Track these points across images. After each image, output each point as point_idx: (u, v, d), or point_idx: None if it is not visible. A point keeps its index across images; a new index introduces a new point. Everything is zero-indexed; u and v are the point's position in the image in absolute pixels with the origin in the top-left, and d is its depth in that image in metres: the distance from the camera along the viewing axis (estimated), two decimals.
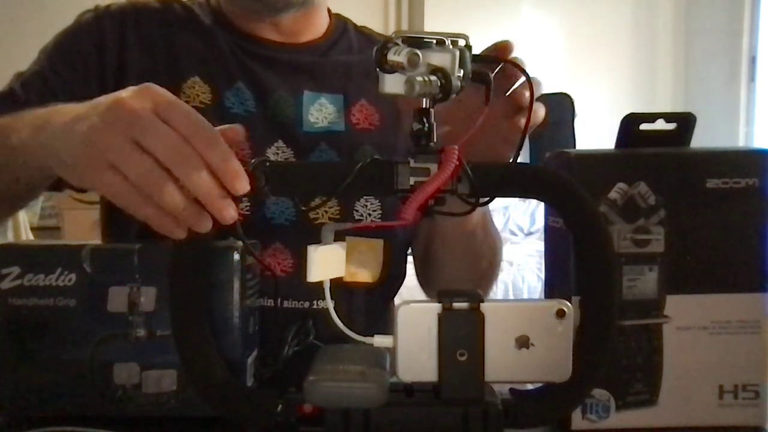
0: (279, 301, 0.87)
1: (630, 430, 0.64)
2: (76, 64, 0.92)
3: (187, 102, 0.89)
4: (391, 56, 0.52)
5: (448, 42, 0.53)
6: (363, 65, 1.00)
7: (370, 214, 0.95)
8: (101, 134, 0.52)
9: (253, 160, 0.57)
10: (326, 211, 0.93)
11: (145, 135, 0.51)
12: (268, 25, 0.98)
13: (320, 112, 0.96)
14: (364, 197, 0.95)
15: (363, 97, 0.99)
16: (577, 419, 0.63)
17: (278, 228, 0.91)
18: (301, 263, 0.91)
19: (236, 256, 0.65)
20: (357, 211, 0.95)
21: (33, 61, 0.94)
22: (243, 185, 0.53)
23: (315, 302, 0.90)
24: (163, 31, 0.95)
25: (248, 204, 0.90)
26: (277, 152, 0.94)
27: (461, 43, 0.54)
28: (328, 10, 1.05)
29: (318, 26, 1.02)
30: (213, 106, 0.93)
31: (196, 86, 0.93)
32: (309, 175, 0.59)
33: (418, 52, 0.51)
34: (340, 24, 1.05)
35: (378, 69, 0.53)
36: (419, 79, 0.51)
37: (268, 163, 0.56)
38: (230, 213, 0.53)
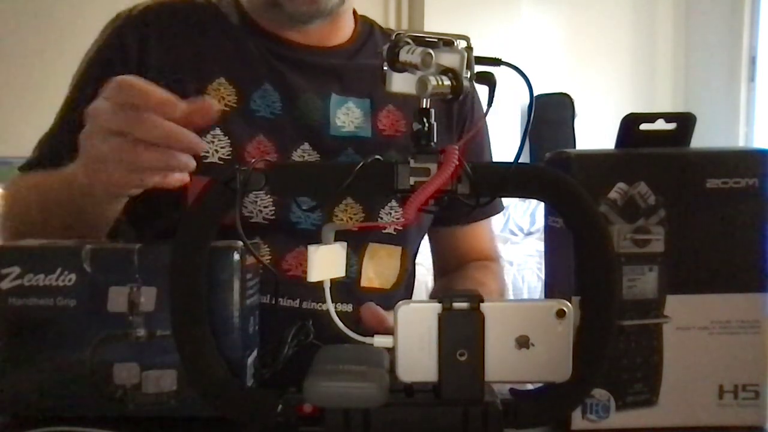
0: (298, 301, 0.88)
1: (630, 430, 0.64)
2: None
3: None
4: (404, 56, 0.52)
5: (456, 43, 0.53)
6: None
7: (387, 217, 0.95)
8: (90, 115, 0.66)
9: (253, 160, 0.57)
10: (350, 218, 0.93)
11: (102, 121, 0.64)
12: (295, 30, 0.97)
13: (347, 116, 0.96)
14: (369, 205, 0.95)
15: (390, 102, 0.98)
16: (577, 419, 0.63)
17: (303, 233, 0.91)
18: None
19: (236, 256, 0.65)
20: (381, 218, 0.95)
21: (65, 98, 0.96)
22: (204, 118, 0.63)
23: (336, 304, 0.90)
24: (188, 31, 0.94)
25: (273, 208, 0.91)
26: (303, 155, 0.93)
27: (462, 44, 0.54)
28: (354, 12, 1.04)
29: (344, 30, 1.02)
30: (239, 108, 0.92)
31: (222, 88, 0.92)
32: (309, 175, 0.59)
33: (432, 51, 0.51)
34: (366, 27, 1.05)
35: (388, 68, 0.53)
36: (432, 79, 0.51)
37: (267, 164, 0.56)
38: (200, 145, 0.64)
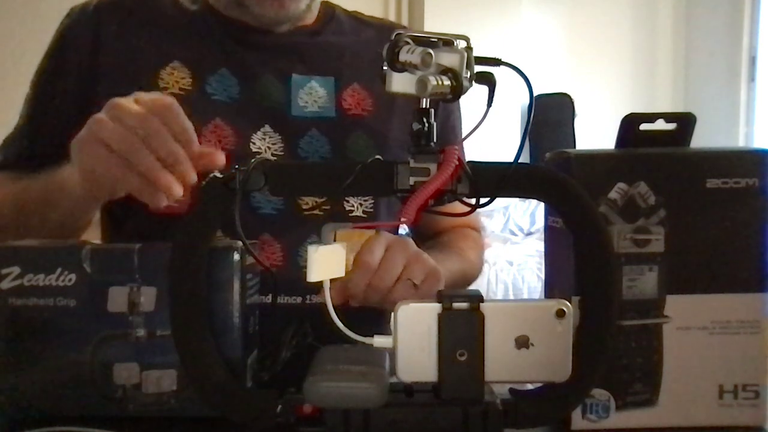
0: (274, 298, 0.87)
1: (630, 430, 0.64)
2: (62, 88, 0.92)
3: (165, 89, 0.90)
4: (404, 55, 0.52)
5: (456, 43, 0.53)
6: (356, 47, 0.99)
7: (361, 204, 0.94)
8: (93, 126, 0.64)
9: (252, 160, 0.57)
10: (316, 202, 0.91)
11: (123, 114, 0.63)
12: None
13: (310, 95, 0.94)
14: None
15: (355, 81, 0.96)
16: (577, 419, 0.63)
17: (266, 218, 0.89)
18: (290, 256, 0.89)
19: (236, 256, 0.65)
20: (348, 201, 0.93)
21: (25, 98, 0.95)
22: (208, 165, 0.63)
23: (308, 297, 0.87)
24: (143, 19, 0.93)
25: None
26: (264, 137, 0.91)
27: (462, 44, 0.54)
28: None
29: (308, 15, 1.00)
30: (194, 92, 0.90)
31: (176, 72, 0.91)
32: (309, 175, 0.59)
33: (432, 51, 0.51)
34: (328, 10, 1.03)
35: (387, 67, 0.53)
36: (432, 79, 0.51)
37: (267, 163, 0.56)
38: (191, 175, 0.62)
